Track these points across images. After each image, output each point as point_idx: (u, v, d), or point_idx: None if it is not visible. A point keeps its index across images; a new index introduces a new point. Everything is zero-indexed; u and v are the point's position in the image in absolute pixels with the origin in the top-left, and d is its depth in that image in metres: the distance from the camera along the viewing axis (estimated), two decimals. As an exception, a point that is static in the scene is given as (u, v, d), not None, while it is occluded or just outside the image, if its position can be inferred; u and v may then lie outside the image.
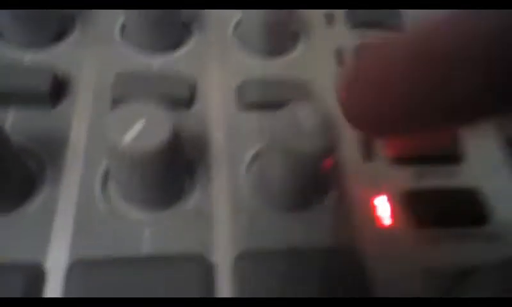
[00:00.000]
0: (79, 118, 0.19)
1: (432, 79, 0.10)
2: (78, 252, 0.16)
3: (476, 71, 0.10)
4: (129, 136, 0.14)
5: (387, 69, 0.11)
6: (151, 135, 0.14)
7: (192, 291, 0.16)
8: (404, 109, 0.11)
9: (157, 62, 0.22)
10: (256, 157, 0.19)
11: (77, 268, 0.16)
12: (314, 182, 0.18)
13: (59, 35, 0.22)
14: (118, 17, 0.23)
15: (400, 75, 0.11)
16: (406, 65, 0.11)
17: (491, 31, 0.10)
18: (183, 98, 0.20)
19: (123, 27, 0.22)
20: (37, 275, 0.15)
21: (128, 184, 0.16)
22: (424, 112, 0.11)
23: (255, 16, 0.22)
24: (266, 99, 0.21)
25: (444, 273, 0.18)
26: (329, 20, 0.25)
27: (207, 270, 0.16)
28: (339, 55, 0.24)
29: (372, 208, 0.19)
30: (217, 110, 0.21)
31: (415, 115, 0.11)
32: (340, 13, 0.26)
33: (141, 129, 0.14)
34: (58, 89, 0.19)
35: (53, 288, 0.15)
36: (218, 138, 0.20)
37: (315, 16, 0.25)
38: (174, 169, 0.16)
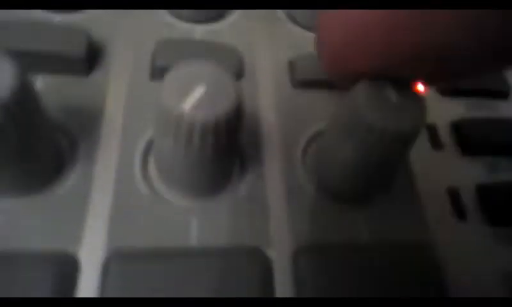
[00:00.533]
0: (115, 88, 0.17)
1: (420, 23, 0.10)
2: (116, 242, 0.14)
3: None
4: (188, 103, 0.12)
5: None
6: (213, 102, 0.12)
7: (249, 290, 0.13)
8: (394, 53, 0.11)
9: (200, 31, 0.19)
10: (312, 139, 0.17)
11: (115, 260, 0.13)
12: (385, 169, 0.15)
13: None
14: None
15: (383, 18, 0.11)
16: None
17: None
18: (232, 70, 0.18)
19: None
20: (70, 267, 0.13)
21: (177, 164, 0.14)
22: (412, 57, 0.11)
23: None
24: (322, 76, 0.18)
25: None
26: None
27: (264, 266, 0.14)
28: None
29: (443, 200, 0.17)
30: (267, 87, 0.18)
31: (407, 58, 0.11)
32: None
33: (202, 95, 0.12)
34: (93, 55, 0.17)
35: (88, 283, 0.13)
36: (270, 117, 0.17)
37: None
38: (231, 148, 0.14)
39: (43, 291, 0.12)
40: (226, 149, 0.13)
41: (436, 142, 0.18)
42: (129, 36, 0.18)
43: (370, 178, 0.15)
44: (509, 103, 0.20)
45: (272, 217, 0.15)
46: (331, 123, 0.16)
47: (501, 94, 0.20)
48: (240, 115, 0.13)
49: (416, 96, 0.13)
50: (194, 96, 0.12)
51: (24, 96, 0.12)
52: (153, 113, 0.16)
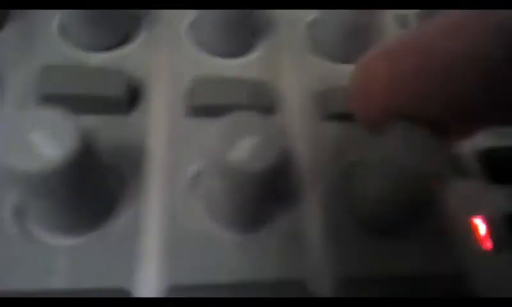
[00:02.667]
0: (155, 125, 0.18)
1: (442, 85, 0.11)
2: (168, 279, 0.15)
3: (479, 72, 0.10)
4: (237, 153, 0.13)
5: (393, 77, 0.12)
6: (262, 152, 0.13)
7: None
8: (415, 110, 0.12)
9: (231, 66, 0.20)
10: (345, 172, 0.18)
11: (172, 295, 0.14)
12: (416, 205, 0.16)
13: (126, 37, 0.20)
14: (184, 17, 0.21)
15: (409, 83, 0.12)
16: (414, 73, 0.11)
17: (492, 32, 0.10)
18: (265, 106, 0.18)
19: (190, 28, 0.21)
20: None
21: (223, 203, 0.15)
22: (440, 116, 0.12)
23: (331, 18, 0.21)
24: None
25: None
26: (403, 23, 0.24)
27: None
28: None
29: (474, 230, 0.18)
30: (298, 120, 0.19)
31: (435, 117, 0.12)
32: (413, 15, 0.24)
33: (251, 145, 0.13)
34: (132, 95, 0.18)
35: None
36: (302, 150, 0.18)
37: (388, 19, 0.24)
38: (275, 187, 0.15)
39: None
40: (272, 188, 0.14)
41: (463, 171, 0.19)
42: (164, 73, 0.19)
43: (401, 213, 0.16)
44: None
45: (311, 250, 0.16)
46: (362, 159, 0.17)
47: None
48: (284, 165, 0.14)
49: (439, 139, 0.14)
50: (242, 146, 0.13)
51: (85, 152, 0.13)
52: (195, 150, 0.17)
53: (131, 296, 0.14)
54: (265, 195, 0.14)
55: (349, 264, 0.16)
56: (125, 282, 0.14)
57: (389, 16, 0.24)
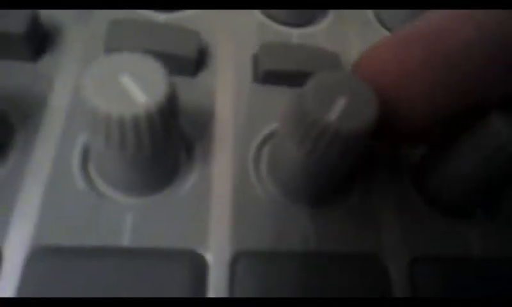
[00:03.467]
0: (222, 89, 0.17)
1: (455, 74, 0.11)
2: (240, 244, 0.14)
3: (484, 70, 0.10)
4: (334, 113, 0.12)
5: (402, 72, 0.11)
6: (356, 113, 0.12)
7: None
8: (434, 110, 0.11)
9: (296, 35, 0.19)
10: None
11: (241, 260, 0.14)
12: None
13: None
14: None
15: (419, 76, 0.11)
16: (424, 65, 0.11)
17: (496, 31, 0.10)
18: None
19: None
20: (200, 267, 0.13)
21: (299, 174, 0.14)
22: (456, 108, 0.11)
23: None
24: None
25: None
26: None
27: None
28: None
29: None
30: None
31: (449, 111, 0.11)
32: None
33: (346, 106, 0.12)
34: (202, 56, 0.17)
35: (217, 281, 0.13)
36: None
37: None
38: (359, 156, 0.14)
39: (179, 289, 0.13)
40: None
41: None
42: (230, 37, 0.18)
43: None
44: None
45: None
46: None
47: None
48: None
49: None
50: (338, 106, 0.12)
51: (173, 99, 0.12)
52: (262, 116, 0.16)
53: (203, 259, 0.14)
54: (350, 163, 0.13)
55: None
56: (194, 244, 0.14)
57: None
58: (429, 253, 0.15)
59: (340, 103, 0.12)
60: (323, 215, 0.15)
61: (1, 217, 0.13)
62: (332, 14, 0.20)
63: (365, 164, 0.16)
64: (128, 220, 0.14)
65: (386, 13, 0.21)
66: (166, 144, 0.13)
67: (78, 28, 0.17)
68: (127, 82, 0.11)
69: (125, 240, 0.13)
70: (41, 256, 0.13)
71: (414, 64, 0.11)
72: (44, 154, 0.14)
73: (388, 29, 0.21)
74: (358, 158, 0.14)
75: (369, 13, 0.21)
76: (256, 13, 0.20)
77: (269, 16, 0.20)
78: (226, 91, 0.17)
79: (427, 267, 0.15)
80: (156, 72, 0.12)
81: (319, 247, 0.14)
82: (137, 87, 0.11)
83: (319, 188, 0.15)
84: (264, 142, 0.16)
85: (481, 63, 0.10)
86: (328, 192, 0.15)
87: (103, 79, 0.11)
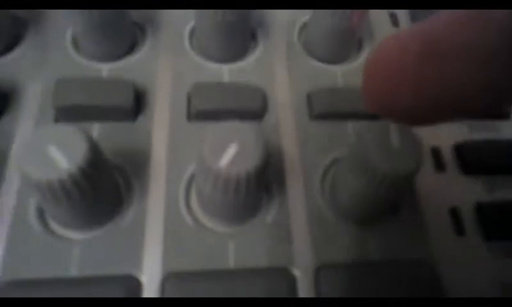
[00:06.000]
0: (159, 130, 0.20)
1: (441, 74, 0.11)
2: (170, 266, 0.17)
3: (482, 66, 0.11)
4: (225, 159, 0.15)
5: (400, 62, 0.12)
6: (245, 158, 0.15)
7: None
8: (417, 101, 0.12)
9: (227, 71, 0.22)
10: (329, 168, 0.20)
11: (170, 281, 0.17)
12: (392, 198, 0.18)
13: (132, 46, 0.22)
14: (185, 24, 0.23)
15: (412, 69, 0.12)
16: (418, 59, 0.12)
17: (500, 31, 0.10)
18: (257, 109, 0.20)
19: (191, 36, 0.23)
20: (135, 286, 0.16)
21: (215, 201, 0.17)
22: (435, 105, 0.12)
23: (320, 22, 0.22)
24: (338, 109, 0.21)
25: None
26: (394, 21, 0.25)
27: (289, 283, 0.17)
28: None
29: (446, 219, 0.19)
30: (288, 120, 0.21)
31: (429, 106, 0.12)
32: (403, 14, 0.25)
33: (236, 152, 0.15)
34: (138, 102, 0.20)
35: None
36: (291, 147, 0.20)
37: (380, 19, 0.25)
38: (260, 186, 0.17)
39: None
40: (257, 189, 0.16)
41: (439, 164, 0.20)
42: (167, 79, 0.21)
43: (378, 206, 0.18)
44: (510, 124, 0.22)
45: (295, 239, 0.18)
46: (344, 158, 0.18)
47: (502, 116, 0.22)
48: (266, 165, 0.15)
49: (415, 137, 0.16)
50: (229, 154, 0.15)
51: (94, 158, 0.15)
52: (193, 153, 0.19)
53: (138, 281, 0.16)
54: (250, 193, 0.16)
55: (327, 250, 0.18)
56: (133, 269, 0.17)
57: (381, 15, 0.25)
58: (333, 260, 0.18)
59: (231, 150, 0.15)
60: (242, 234, 0.18)
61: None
62: (261, 46, 0.23)
63: (277, 176, 0.19)
64: (75, 252, 0.17)
65: (313, 45, 0.23)
66: (98, 191, 0.16)
67: (32, 86, 0.20)
68: (53, 151, 0.14)
69: (72, 271, 0.16)
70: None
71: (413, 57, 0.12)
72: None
73: (317, 58, 0.23)
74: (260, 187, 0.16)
75: (297, 44, 0.23)
76: (192, 54, 0.22)
77: (203, 55, 0.22)
78: (162, 131, 0.20)
79: (330, 273, 0.17)
80: (79, 140, 0.14)
81: (236, 264, 0.17)
82: (62, 155, 0.14)
83: (235, 212, 0.18)
84: (193, 174, 0.19)
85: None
86: (247, 213, 0.18)
87: (34, 150, 0.14)
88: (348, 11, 0.21)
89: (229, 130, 0.15)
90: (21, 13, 0.22)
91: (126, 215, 0.18)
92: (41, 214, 0.17)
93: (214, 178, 0.15)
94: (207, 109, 0.20)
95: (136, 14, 0.23)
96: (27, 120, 0.19)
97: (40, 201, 0.16)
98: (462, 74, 0.11)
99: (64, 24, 0.22)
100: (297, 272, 0.17)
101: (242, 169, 0.15)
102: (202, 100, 0.20)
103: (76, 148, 0.14)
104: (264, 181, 0.18)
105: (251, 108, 0.20)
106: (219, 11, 0.20)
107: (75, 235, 0.17)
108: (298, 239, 0.18)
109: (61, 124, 0.19)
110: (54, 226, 0.17)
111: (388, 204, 0.18)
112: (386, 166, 0.15)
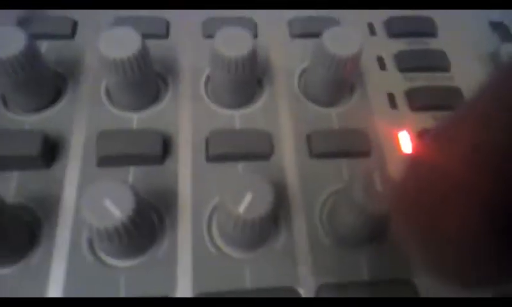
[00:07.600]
0: (183, 171, 0.24)
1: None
2: (199, 287, 0.21)
3: None
4: (242, 206, 0.19)
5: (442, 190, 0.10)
6: (259, 205, 0.19)
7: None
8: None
9: (238, 117, 0.26)
10: (327, 200, 0.24)
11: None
12: (377, 229, 0.22)
13: (156, 95, 0.26)
14: (202, 74, 0.27)
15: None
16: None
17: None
18: (265, 152, 0.24)
19: (206, 84, 0.27)
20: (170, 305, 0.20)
21: (234, 236, 0.21)
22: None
23: (318, 72, 0.26)
24: (333, 148, 0.25)
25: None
26: (381, 66, 0.29)
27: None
28: (392, 98, 0.27)
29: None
30: (291, 159, 0.25)
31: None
32: (389, 59, 0.29)
33: (251, 200, 0.19)
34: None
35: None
36: (294, 184, 0.24)
37: (369, 64, 0.29)
38: (270, 222, 0.21)
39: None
40: (268, 224, 0.20)
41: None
42: (187, 125, 0.25)
43: (366, 234, 0.22)
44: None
45: (300, 263, 0.22)
46: (339, 193, 0.22)
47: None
48: (275, 208, 0.19)
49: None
50: (246, 201, 0.19)
51: (139, 208, 0.19)
52: (213, 190, 0.23)
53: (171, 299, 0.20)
54: (262, 229, 0.20)
55: (328, 272, 0.22)
56: (168, 291, 0.21)
57: (369, 60, 0.29)
58: (333, 280, 0.22)
59: (247, 198, 0.19)
60: (257, 259, 0.22)
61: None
62: (267, 93, 0.27)
63: (282, 209, 0.23)
64: (121, 278, 0.21)
65: (311, 90, 0.27)
66: (141, 230, 0.20)
67: (75, 137, 0.24)
68: (108, 203, 0.18)
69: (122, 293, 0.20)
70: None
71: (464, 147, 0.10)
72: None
73: (314, 101, 0.27)
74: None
75: (297, 89, 0.27)
76: (207, 102, 0.26)
77: (217, 102, 0.26)
78: (186, 171, 0.24)
79: (329, 292, 0.21)
80: (127, 194, 0.18)
81: (252, 285, 0.21)
82: (115, 207, 0.18)
83: (249, 242, 0.21)
84: (214, 210, 0.23)
85: None
86: (260, 242, 0.22)
87: (92, 202, 0.18)
88: (343, 63, 0.24)
89: (245, 181, 0.19)
90: (60, 68, 0.26)
91: (161, 245, 0.22)
92: (91, 246, 0.21)
93: (235, 221, 0.19)
94: (222, 153, 0.24)
95: (158, 66, 0.27)
96: (74, 166, 0.23)
97: (95, 240, 0.20)
98: None
99: (99, 78, 0.26)
100: (301, 291, 0.21)
101: (257, 214, 0.19)
102: (218, 145, 0.24)
103: (126, 200, 0.18)
104: (273, 217, 0.22)
105: (259, 151, 0.24)
106: (232, 68, 0.24)
107: (119, 263, 0.21)
108: (302, 263, 0.22)
109: (104, 169, 0.23)
110: (102, 255, 0.21)
111: (375, 232, 0.22)
112: (370, 207, 0.19)
